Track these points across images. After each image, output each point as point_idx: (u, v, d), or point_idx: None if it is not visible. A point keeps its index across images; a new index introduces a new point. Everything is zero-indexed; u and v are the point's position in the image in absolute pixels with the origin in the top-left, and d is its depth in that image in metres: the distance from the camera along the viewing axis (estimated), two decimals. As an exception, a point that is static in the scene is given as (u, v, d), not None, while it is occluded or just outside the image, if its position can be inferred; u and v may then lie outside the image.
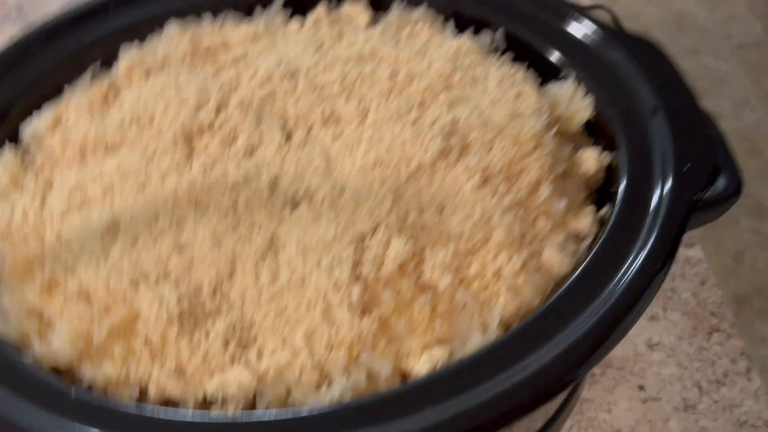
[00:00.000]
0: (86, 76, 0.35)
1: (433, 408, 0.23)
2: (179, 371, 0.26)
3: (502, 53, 0.35)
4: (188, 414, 0.24)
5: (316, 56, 0.34)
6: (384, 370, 0.26)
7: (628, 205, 0.28)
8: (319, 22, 0.36)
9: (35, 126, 0.33)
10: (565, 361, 0.25)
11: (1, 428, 0.23)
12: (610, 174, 0.31)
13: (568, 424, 0.40)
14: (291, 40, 0.35)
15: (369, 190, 0.29)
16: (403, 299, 0.27)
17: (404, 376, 0.26)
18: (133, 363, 0.26)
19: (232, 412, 0.25)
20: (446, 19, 0.36)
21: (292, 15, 0.37)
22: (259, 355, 0.26)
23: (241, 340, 0.26)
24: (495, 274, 0.28)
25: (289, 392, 0.25)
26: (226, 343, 0.26)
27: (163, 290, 0.27)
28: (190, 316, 0.27)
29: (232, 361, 0.26)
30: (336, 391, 0.25)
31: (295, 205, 0.29)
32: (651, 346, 0.44)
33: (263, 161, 0.30)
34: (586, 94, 0.33)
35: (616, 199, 0.29)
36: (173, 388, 0.25)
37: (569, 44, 0.34)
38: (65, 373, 0.26)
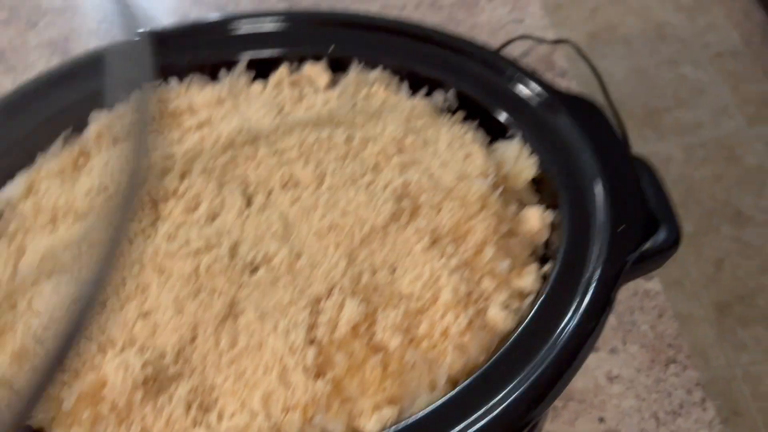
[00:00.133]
0: (58, 143, 0.36)
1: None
2: (144, 435, 0.27)
3: (455, 112, 0.37)
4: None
5: (277, 120, 0.35)
6: (337, 430, 0.27)
7: (566, 263, 0.30)
8: (280, 84, 0.38)
9: (8, 194, 0.35)
10: (509, 416, 0.27)
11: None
12: (555, 230, 0.33)
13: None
14: (253, 103, 0.37)
15: (324, 253, 0.31)
16: (356, 360, 0.29)
17: (357, 436, 0.28)
18: (101, 428, 0.28)
19: (193, 475, 0.26)
20: (402, 80, 0.38)
21: (255, 76, 0.39)
22: (220, 418, 0.28)
23: (202, 404, 0.28)
24: (443, 333, 0.30)
25: (247, 454, 0.27)
26: (189, 407, 0.28)
27: (129, 356, 0.28)
28: (155, 382, 0.28)
29: (194, 424, 0.28)
30: (291, 453, 0.26)
31: (254, 269, 0.31)
32: (611, 379, 0.46)
33: (224, 227, 0.32)
34: (531, 153, 0.34)
35: (557, 257, 0.31)
36: (138, 453, 0.27)
37: (516, 104, 0.36)
38: (36, 439, 0.28)
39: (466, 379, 0.28)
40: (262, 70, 0.39)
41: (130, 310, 0.30)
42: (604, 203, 0.31)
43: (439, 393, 0.28)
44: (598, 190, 0.31)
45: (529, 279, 0.31)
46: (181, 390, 0.28)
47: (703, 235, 1.44)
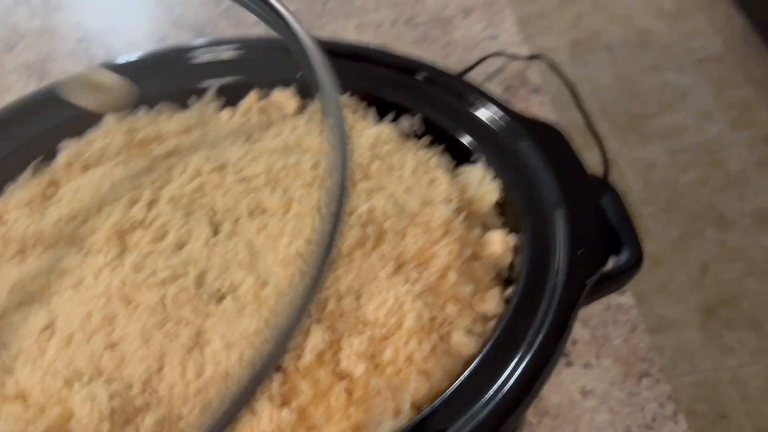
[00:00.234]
0: (27, 172, 0.37)
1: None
2: (110, 468, 0.28)
3: (421, 137, 0.38)
4: None
5: (245, 147, 0.36)
6: (301, 458, 0.28)
7: (527, 287, 0.31)
8: (249, 111, 0.38)
9: (-22, 225, 0.35)
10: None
11: None
12: (518, 253, 0.34)
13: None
14: (222, 130, 0.37)
15: (290, 281, 0.31)
16: (321, 388, 0.29)
17: (321, 463, 0.28)
18: (68, 461, 0.28)
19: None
20: (369, 106, 0.39)
21: (225, 103, 0.40)
22: (186, 449, 0.28)
23: (169, 435, 0.28)
24: (407, 359, 0.30)
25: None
26: (155, 438, 0.28)
27: (96, 388, 0.29)
28: (122, 413, 0.29)
29: (161, 455, 0.28)
30: (255, 483, 0.27)
31: (220, 299, 0.31)
32: (584, 394, 0.46)
33: (191, 256, 0.32)
34: (495, 177, 0.35)
35: (519, 281, 0.31)
36: (104, 485, 0.27)
37: (479, 129, 0.36)
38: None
39: (430, 405, 0.29)
40: (231, 96, 0.40)
41: (97, 341, 0.30)
42: (564, 227, 0.31)
43: (403, 419, 0.29)
44: (559, 214, 0.32)
45: (492, 303, 0.32)
46: (149, 421, 0.28)
47: (688, 240, 1.46)
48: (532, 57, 0.62)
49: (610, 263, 0.34)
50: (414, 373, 0.30)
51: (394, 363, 0.30)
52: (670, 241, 1.44)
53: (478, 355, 0.30)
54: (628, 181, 1.54)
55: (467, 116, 0.37)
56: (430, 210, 0.33)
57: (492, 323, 0.31)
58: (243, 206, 0.33)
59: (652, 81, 1.72)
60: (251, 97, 0.39)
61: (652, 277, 1.41)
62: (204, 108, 0.39)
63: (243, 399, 0.21)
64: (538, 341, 0.29)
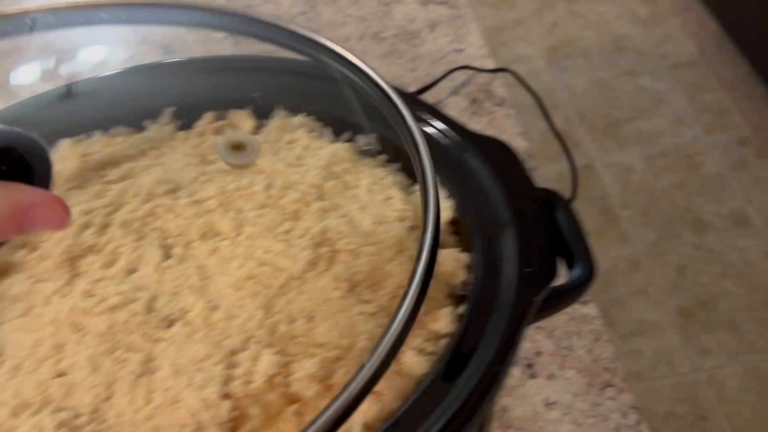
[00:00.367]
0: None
1: None
2: (56, 499, 0.27)
3: (377, 155, 0.38)
4: None
5: (198, 169, 0.36)
6: (251, 484, 0.28)
7: (477, 306, 0.31)
8: (204, 133, 0.38)
9: None
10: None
11: None
12: (471, 270, 0.34)
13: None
14: (176, 152, 0.37)
15: (241, 305, 0.31)
16: (271, 412, 0.29)
17: (272, 488, 0.28)
18: (14, 493, 0.28)
19: None
20: (325, 125, 0.39)
21: (182, 125, 0.40)
22: (134, 478, 0.28)
23: (117, 463, 0.28)
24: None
25: None
26: (103, 467, 0.28)
27: (43, 418, 0.28)
28: (69, 442, 0.28)
29: (109, 484, 0.28)
30: None
31: (170, 324, 0.31)
32: (548, 405, 0.47)
33: (141, 281, 0.32)
34: (449, 195, 0.35)
35: (469, 299, 0.32)
36: None
37: (432, 147, 0.36)
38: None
39: (381, 426, 0.29)
40: (188, 118, 0.40)
41: (45, 370, 0.30)
42: (513, 245, 0.32)
43: (355, 441, 0.29)
44: (508, 231, 0.32)
45: (444, 321, 0.32)
46: (96, 450, 0.28)
47: (665, 243, 1.47)
48: (497, 70, 0.63)
49: (563, 278, 0.35)
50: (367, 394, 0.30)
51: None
52: (648, 245, 1.46)
53: (429, 374, 0.30)
54: (606, 185, 1.56)
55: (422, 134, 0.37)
56: (384, 229, 0.33)
57: (444, 342, 0.32)
58: (195, 229, 0.33)
59: (628, 86, 1.74)
60: (207, 118, 0.39)
61: (630, 280, 1.42)
62: (159, 130, 0.39)
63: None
64: (485, 360, 0.29)
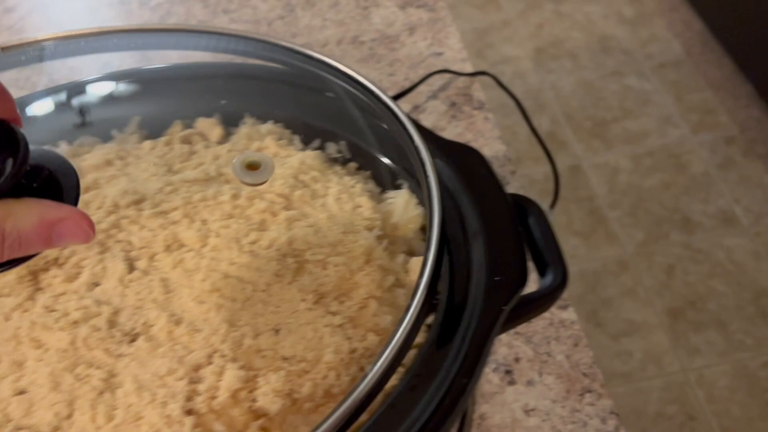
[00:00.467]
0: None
1: None
2: None
3: (347, 163, 0.37)
4: None
5: (164, 179, 0.35)
6: (214, 502, 0.27)
7: (446, 315, 0.30)
8: (171, 142, 0.38)
9: None
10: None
11: None
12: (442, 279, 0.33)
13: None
14: (142, 162, 0.36)
15: (205, 318, 0.30)
16: (236, 428, 0.28)
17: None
18: None
19: None
20: (294, 132, 0.38)
21: (149, 134, 0.39)
22: (94, 497, 0.27)
23: (77, 483, 0.27)
24: (326, 393, 0.29)
25: None
26: (63, 487, 0.27)
27: (1, 438, 0.28)
28: (28, 462, 0.28)
29: (68, 505, 0.27)
30: None
31: (133, 339, 0.30)
32: (527, 412, 0.46)
33: (104, 295, 0.31)
34: (419, 203, 0.35)
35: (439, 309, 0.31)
36: None
37: (403, 154, 0.36)
38: None
39: (349, 440, 0.28)
40: (155, 127, 0.39)
41: (4, 388, 0.29)
42: (482, 253, 0.31)
43: (321, 456, 0.28)
44: (478, 240, 0.32)
45: (413, 332, 0.31)
46: (56, 469, 0.27)
47: (653, 243, 1.47)
48: (476, 73, 0.62)
49: (535, 285, 0.34)
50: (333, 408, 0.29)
51: (312, 398, 0.29)
52: (636, 245, 1.46)
53: (397, 386, 0.29)
54: (594, 186, 1.56)
55: (392, 141, 0.36)
56: (352, 238, 0.33)
57: (414, 352, 0.31)
58: (159, 241, 0.33)
59: (615, 86, 1.74)
60: (174, 127, 0.39)
61: (619, 281, 1.42)
62: (125, 140, 0.38)
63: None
64: (453, 371, 0.28)
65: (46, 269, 0.32)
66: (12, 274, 0.32)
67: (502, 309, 0.30)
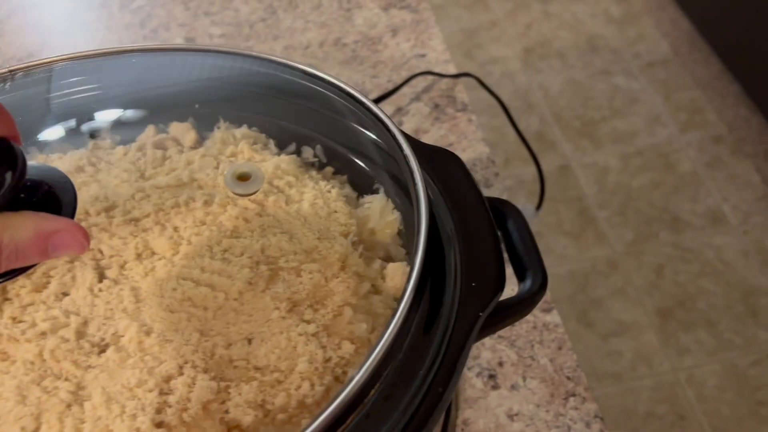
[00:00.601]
0: None
1: None
2: None
3: (324, 167, 0.37)
4: None
5: (136, 186, 0.34)
6: None
7: (422, 322, 0.30)
8: (144, 147, 0.37)
9: None
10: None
11: None
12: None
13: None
14: (114, 168, 0.36)
15: (176, 328, 0.30)
16: (207, 440, 0.28)
17: None
18: None
19: None
20: (269, 136, 0.38)
21: (122, 139, 0.38)
22: None
23: (42, 500, 0.27)
24: (299, 404, 0.29)
25: None
26: (28, 504, 0.27)
27: (-35, 454, 0.27)
28: (-8, 479, 0.27)
29: None
30: None
31: (102, 350, 0.30)
32: (511, 416, 0.46)
33: (73, 305, 0.31)
34: (395, 208, 0.34)
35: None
36: None
37: (380, 158, 0.35)
38: None
39: (321, 451, 0.28)
40: (128, 132, 0.38)
41: (-31, 402, 0.28)
42: (459, 259, 0.31)
43: (294, 468, 0.28)
44: (454, 245, 0.31)
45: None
46: (21, 486, 0.27)
47: (642, 243, 1.47)
48: (459, 75, 0.62)
49: (515, 290, 0.34)
50: (307, 419, 0.29)
51: (285, 409, 0.29)
52: (625, 245, 1.46)
53: (372, 395, 0.29)
54: (583, 185, 1.56)
55: (368, 145, 0.36)
56: (327, 245, 0.32)
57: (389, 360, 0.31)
58: (130, 249, 0.32)
59: (603, 86, 1.74)
60: (148, 132, 0.38)
61: (609, 281, 1.42)
62: (97, 145, 0.37)
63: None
64: (429, 379, 0.28)
65: (14, 280, 0.32)
66: (-22, 285, 0.31)
67: (479, 315, 0.29)
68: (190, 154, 0.36)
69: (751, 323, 1.33)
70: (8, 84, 0.37)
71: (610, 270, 1.43)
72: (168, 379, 0.29)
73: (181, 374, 0.29)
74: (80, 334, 0.30)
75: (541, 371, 0.47)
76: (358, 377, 0.25)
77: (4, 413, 0.28)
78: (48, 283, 0.32)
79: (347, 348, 0.30)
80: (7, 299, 0.31)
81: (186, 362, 0.29)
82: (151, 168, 0.36)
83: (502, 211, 0.35)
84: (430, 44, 0.65)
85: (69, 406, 0.28)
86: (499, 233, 0.33)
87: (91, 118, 0.38)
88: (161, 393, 0.28)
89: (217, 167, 0.36)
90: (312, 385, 0.29)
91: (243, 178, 0.33)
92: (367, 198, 0.36)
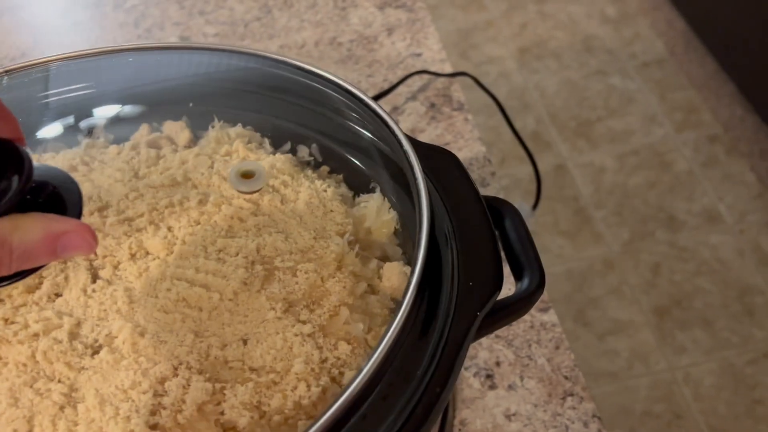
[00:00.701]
0: None
1: None
2: None
3: (319, 166, 0.37)
4: None
5: (129, 185, 0.34)
6: None
7: (419, 323, 0.30)
8: (138, 146, 0.37)
9: None
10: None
11: None
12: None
13: None
14: (108, 168, 0.35)
15: (170, 329, 0.29)
16: (202, 442, 0.28)
17: None
18: None
19: None
20: (264, 135, 0.37)
21: (115, 138, 0.38)
22: None
23: (35, 504, 0.26)
24: (295, 405, 0.29)
25: None
26: (20, 508, 0.26)
27: (-44, 457, 0.27)
28: (-16, 483, 0.27)
29: None
30: None
31: (95, 351, 0.29)
32: (509, 417, 0.46)
33: (66, 306, 0.30)
34: (392, 207, 0.34)
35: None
36: None
37: (377, 157, 0.35)
38: None
39: (319, 451, 0.27)
40: (121, 131, 0.38)
41: (-40, 405, 0.28)
42: (456, 258, 0.30)
43: (290, 470, 0.27)
44: (452, 244, 0.31)
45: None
46: (13, 489, 0.26)
47: (639, 242, 1.47)
48: (455, 74, 0.62)
49: (511, 289, 0.34)
50: (303, 420, 0.28)
51: (281, 411, 0.28)
52: (622, 244, 1.46)
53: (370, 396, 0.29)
54: (579, 185, 1.56)
55: (364, 143, 0.35)
56: (323, 244, 0.32)
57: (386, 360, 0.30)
58: (124, 249, 0.32)
59: (599, 86, 1.74)
60: (141, 131, 0.37)
61: (605, 280, 1.42)
62: (90, 145, 0.37)
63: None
64: (427, 379, 0.28)
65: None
66: (-30, 286, 0.31)
67: (477, 315, 0.29)
68: (184, 153, 0.36)
69: (747, 322, 1.33)
70: (4, 81, 0.36)
71: (607, 269, 1.43)
72: (162, 380, 0.28)
73: (176, 375, 0.28)
74: (73, 336, 0.29)
75: (538, 371, 0.47)
76: (357, 381, 0.25)
77: (-4, 416, 0.28)
78: (40, 284, 0.31)
79: (344, 348, 0.30)
80: (-2, 300, 0.31)
81: (181, 363, 0.29)
82: (144, 167, 0.35)
83: (499, 210, 0.35)
84: (425, 43, 0.65)
85: (62, 408, 0.28)
86: (496, 232, 0.32)
87: (85, 117, 0.38)
88: (156, 395, 0.28)
89: (211, 166, 0.35)
90: (308, 386, 0.29)
91: (247, 175, 0.33)
92: (364, 197, 0.35)
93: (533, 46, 1.83)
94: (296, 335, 0.30)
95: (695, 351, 1.32)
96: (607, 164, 1.59)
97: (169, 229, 0.32)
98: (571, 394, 0.46)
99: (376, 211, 0.34)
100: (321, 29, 0.67)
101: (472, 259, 0.30)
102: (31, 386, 0.28)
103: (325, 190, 0.35)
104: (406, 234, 0.34)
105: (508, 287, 0.33)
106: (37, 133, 0.38)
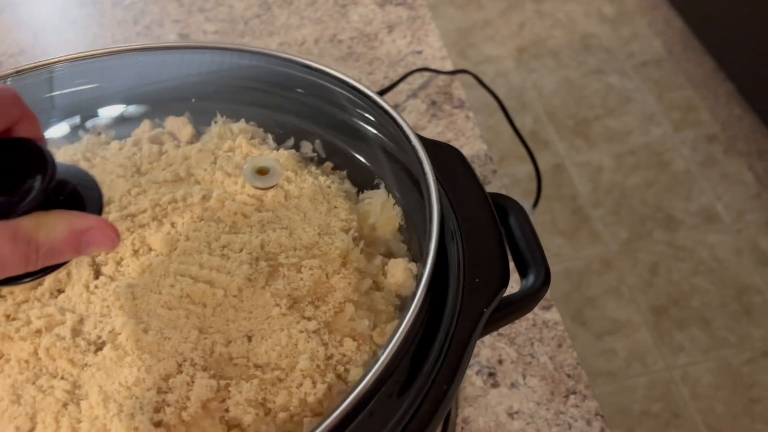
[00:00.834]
0: None
1: None
2: None
3: (323, 162, 0.36)
4: None
5: (132, 181, 0.34)
6: None
7: (425, 319, 0.29)
8: (140, 142, 0.36)
9: None
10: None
11: None
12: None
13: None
14: (110, 163, 0.35)
15: (174, 326, 0.29)
16: (207, 439, 0.27)
17: None
18: None
19: None
20: (267, 131, 0.37)
21: (117, 134, 0.38)
22: None
23: (38, 501, 0.26)
24: (301, 402, 0.28)
25: None
26: (23, 506, 0.26)
27: (-42, 455, 0.26)
28: (-14, 480, 0.26)
29: None
30: None
31: (98, 348, 0.29)
32: (511, 415, 0.46)
33: (68, 303, 0.30)
34: (396, 203, 0.34)
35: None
36: None
37: (381, 153, 0.35)
38: None
39: (325, 448, 0.27)
40: (124, 127, 0.38)
41: (-39, 402, 0.28)
42: (462, 255, 0.30)
43: (296, 467, 0.27)
44: (458, 240, 0.31)
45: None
46: (16, 487, 0.26)
47: (636, 241, 1.48)
48: (456, 71, 0.61)
49: (517, 286, 0.34)
50: (309, 417, 0.28)
51: (286, 408, 0.28)
52: (619, 244, 1.46)
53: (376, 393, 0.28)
54: (577, 184, 1.56)
55: (369, 139, 0.35)
56: (328, 241, 0.32)
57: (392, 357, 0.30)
58: (127, 245, 0.31)
59: (597, 85, 1.74)
60: (143, 127, 0.37)
61: (603, 280, 1.42)
62: (92, 140, 0.37)
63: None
64: (433, 376, 0.27)
65: (7, 276, 0.31)
66: (-29, 282, 0.31)
67: (483, 311, 0.29)
68: (186, 149, 0.36)
69: (745, 321, 1.34)
70: (8, 82, 0.36)
71: (605, 269, 1.43)
72: (166, 377, 0.28)
73: (180, 372, 0.28)
74: (76, 332, 0.29)
75: (541, 369, 0.47)
76: (368, 378, 0.24)
77: (-2, 413, 0.27)
78: (42, 280, 0.31)
79: (349, 345, 0.30)
80: (0, 297, 0.31)
81: (185, 360, 0.28)
82: (147, 163, 0.35)
83: (504, 207, 0.35)
84: (426, 41, 0.64)
85: (65, 405, 0.28)
86: (501, 229, 0.32)
87: (88, 115, 0.38)
88: (160, 391, 0.28)
89: (214, 162, 0.35)
90: (314, 383, 0.28)
91: (262, 172, 0.33)
92: (368, 193, 0.35)
93: (531, 45, 1.83)
94: (301, 332, 0.29)
95: (693, 350, 1.32)
96: (605, 163, 1.59)
97: (173, 225, 0.32)
98: (574, 392, 0.46)
99: (381, 207, 0.34)
100: (321, 26, 0.67)
101: (479, 255, 0.30)
102: (33, 383, 0.28)
103: (329, 186, 0.35)
104: (410, 230, 0.34)
105: (511, 285, 0.33)
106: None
